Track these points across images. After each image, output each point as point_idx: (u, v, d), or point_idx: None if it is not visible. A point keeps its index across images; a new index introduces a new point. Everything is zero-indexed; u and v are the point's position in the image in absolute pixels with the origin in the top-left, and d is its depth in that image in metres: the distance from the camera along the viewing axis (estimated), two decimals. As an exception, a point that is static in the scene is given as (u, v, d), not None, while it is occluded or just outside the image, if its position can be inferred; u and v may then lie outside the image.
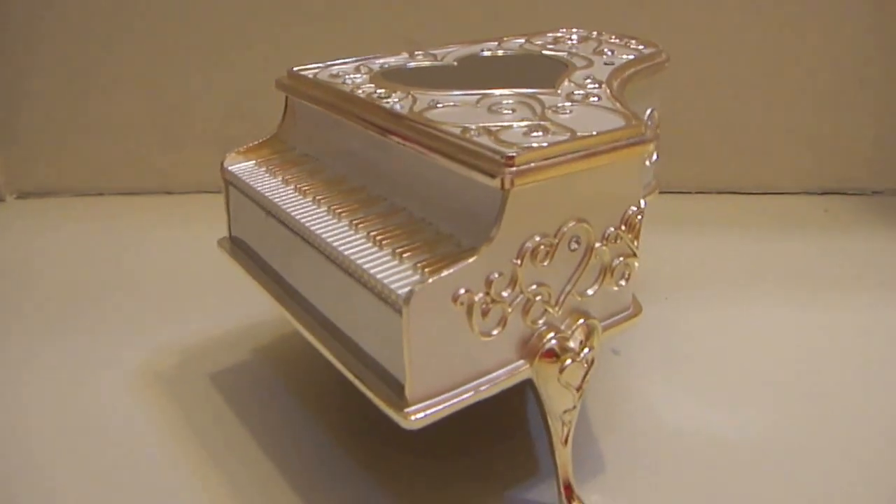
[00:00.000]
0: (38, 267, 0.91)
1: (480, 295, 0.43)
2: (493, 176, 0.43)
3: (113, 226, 1.01)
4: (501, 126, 0.48)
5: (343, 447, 0.60)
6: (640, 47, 0.71)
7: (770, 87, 1.03)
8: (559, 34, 0.77)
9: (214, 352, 0.72)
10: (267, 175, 0.59)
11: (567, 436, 0.51)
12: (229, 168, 0.61)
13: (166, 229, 1.00)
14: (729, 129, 1.06)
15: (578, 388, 0.50)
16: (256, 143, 0.63)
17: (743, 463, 0.58)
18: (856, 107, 1.03)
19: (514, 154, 0.43)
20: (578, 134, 0.47)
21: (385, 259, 0.46)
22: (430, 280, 0.42)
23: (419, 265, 0.45)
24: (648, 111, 0.69)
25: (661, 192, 1.02)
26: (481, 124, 0.48)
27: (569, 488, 0.52)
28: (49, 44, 1.04)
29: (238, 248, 0.62)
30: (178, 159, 1.10)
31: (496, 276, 0.44)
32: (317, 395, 0.66)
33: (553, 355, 0.48)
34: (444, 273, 0.42)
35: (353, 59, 0.65)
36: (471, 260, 0.42)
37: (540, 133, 0.47)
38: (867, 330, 0.75)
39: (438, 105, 0.53)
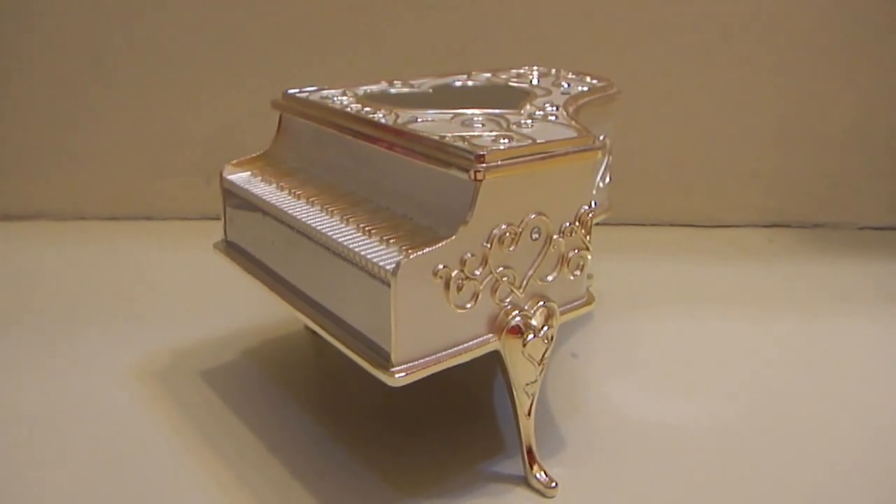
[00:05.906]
0: (24, 285, 0.94)
1: (456, 272, 0.50)
2: (466, 171, 0.51)
3: (96, 248, 1.05)
4: (473, 135, 0.56)
5: (328, 431, 0.65)
6: (594, 81, 0.80)
7: (719, 129, 1.14)
8: (522, 70, 0.86)
9: (204, 354, 0.77)
10: (263, 183, 0.66)
11: (530, 408, 0.58)
12: (227, 177, 0.68)
13: (149, 251, 1.05)
14: (682, 167, 1.16)
15: (540, 362, 0.56)
16: (252, 156, 0.70)
17: (687, 445, 0.65)
18: (797, 148, 1.14)
19: (485, 153, 0.51)
20: (538, 141, 0.55)
21: (374, 244, 0.53)
22: (414, 255, 0.49)
23: (403, 248, 0.52)
24: (601, 137, 0.78)
25: (619, 225, 1.12)
26: (456, 134, 0.56)
27: (531, 454, 0.59)
28: (34, 68, 1.08)
29: (233, 249, 0.69)
30: (160, 186, 1.14)
31: (469, 255, 0.51)
32: (302, 388, 0.72)
33: (518, 331, 0.55)
34: (426, 250, 0.49)
35: (339, 87, 0.74)
36: (449, 240, 0.50)
37: (506, 140, 0.55)
38: (806, 339, 0.84)
39: (418, 119, 0.60)
